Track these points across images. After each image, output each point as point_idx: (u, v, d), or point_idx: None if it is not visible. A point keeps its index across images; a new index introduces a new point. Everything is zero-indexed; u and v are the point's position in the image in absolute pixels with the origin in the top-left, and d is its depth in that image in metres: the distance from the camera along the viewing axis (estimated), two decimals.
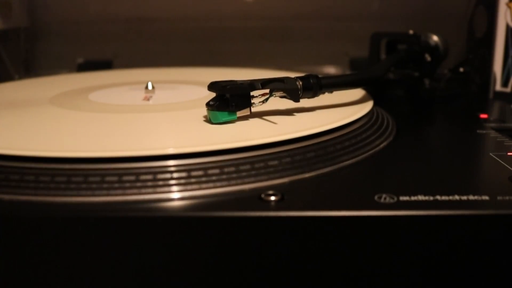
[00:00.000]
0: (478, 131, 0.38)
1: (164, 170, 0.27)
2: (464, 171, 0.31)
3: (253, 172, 0.28)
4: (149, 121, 0.35)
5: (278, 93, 0.34)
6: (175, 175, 0.27)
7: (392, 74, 0.50)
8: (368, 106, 0.39)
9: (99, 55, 0.69)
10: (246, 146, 0.29)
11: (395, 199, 0.26)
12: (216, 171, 0.27)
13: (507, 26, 0.51)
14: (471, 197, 0.26)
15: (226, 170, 0.27)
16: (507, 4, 0.51)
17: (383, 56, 0.54)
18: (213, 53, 0.69)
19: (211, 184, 0.27)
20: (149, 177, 0.26)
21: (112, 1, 0.69)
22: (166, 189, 0.26)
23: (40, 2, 0.69)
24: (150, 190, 0.26)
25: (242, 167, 0.28)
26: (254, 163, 0.28)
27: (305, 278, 0.25)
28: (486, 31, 0.54)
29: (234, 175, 0.27)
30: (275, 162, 0.28)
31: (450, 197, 0.26)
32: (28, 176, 0.26)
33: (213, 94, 0.33)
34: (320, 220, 0.24)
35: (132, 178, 0.26)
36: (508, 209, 0.25)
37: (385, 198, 0.26)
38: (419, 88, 0.50)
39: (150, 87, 0.43)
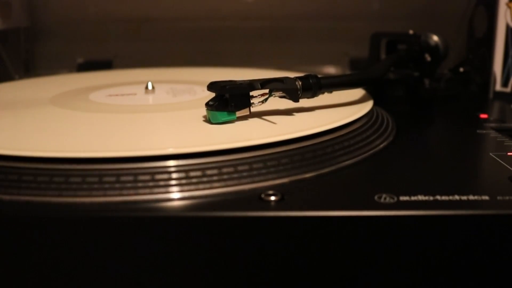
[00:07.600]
0: (478, 131, 0.38)
1: (163, 170, 0.27)
2: (464, 171, 0.31)
3: (253, 172, 0.28)
4: (149, 121, 0.35)
5: (278, 93, 0.34)
6: (175, 175, 0.27)
7: (392, 74, 0.50)
8: (368, 106, 0.38)
9: (99, 55, 0.69)
10: (246, 146, 0.29)
11: (395, 199, 0.26)
12: (216, 171, 0.27)
13: (507, 26, 0.51)
14: (471, 197, 0.26)
15: (225, 170, 0.27)
16: (507, 4, 0.51)
17: (383, 56, 0.54)
18: (213, 53, 0.69)
19: (211, 184, 0.26)
20: (149, 177, 0.26)
21: (112, 1, 0.69)
22: (165, 189, 0.26)
23: (40, 2, 0.69)
24: (150, 190, 0.26)
25: (241, 167, 0.28)
26: (254, 163, 0.28)
27: (305, 278, 0.25)
28: (486, 31, 0.54)
29: (234, 175, 0.27)
30: (275, 162, 0.28)
31: (450, 197, 0.26)
32: (28, 176, 0.26)
33: (212, 94, 0.33)
34: (320, 220, 0.24)
35: (132, 178, 0.26)
36: (508, 209, 0.25)
37: (385, 198, 0.26)
38: (419, 88, 0.50)
39: (150, 87, 0.43)
